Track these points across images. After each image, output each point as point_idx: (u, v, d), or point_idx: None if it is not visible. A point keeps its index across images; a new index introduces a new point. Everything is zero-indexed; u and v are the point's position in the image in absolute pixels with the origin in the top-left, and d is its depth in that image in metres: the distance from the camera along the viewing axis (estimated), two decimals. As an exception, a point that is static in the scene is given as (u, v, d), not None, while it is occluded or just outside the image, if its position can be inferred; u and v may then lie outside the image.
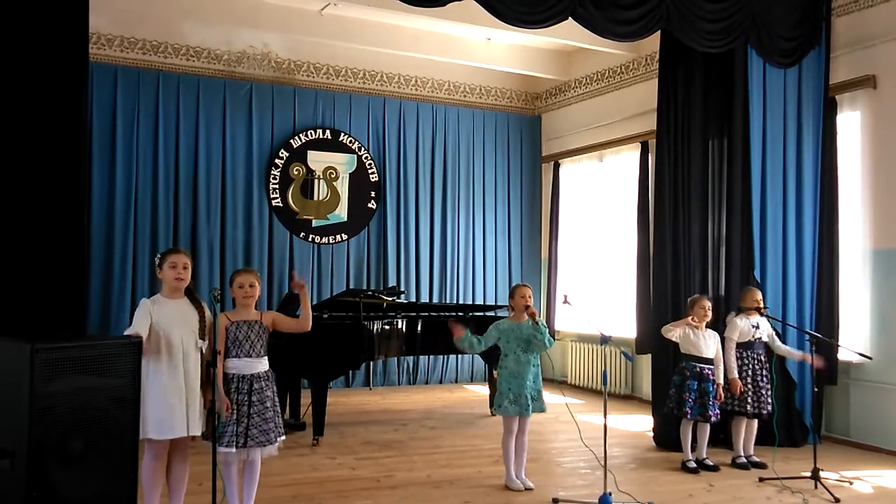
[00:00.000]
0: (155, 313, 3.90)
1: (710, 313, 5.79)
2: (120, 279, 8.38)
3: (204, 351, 3.97)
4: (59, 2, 4.30)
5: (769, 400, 5.84)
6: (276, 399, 4.27)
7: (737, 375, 5.81)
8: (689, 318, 5.74)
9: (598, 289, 9.54)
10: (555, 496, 4.92)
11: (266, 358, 4.24)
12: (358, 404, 8.38)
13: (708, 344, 5.75)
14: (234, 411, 4.04)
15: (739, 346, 5.88)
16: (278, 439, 4.21)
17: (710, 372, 5.72)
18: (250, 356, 4.14)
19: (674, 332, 5.78)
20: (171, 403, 3.85)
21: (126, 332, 3.85)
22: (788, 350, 6.05)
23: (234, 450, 4.04)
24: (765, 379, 5.86)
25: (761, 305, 5.86)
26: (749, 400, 5.81)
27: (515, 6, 5.77)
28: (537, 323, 5.06)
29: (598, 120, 9.65)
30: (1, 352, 3.39)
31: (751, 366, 5.86)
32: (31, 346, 3.19)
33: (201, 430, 4.00)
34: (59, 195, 4.24)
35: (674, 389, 5.79)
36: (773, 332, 6.04)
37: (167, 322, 3.91)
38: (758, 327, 5.89)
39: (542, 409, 5.18)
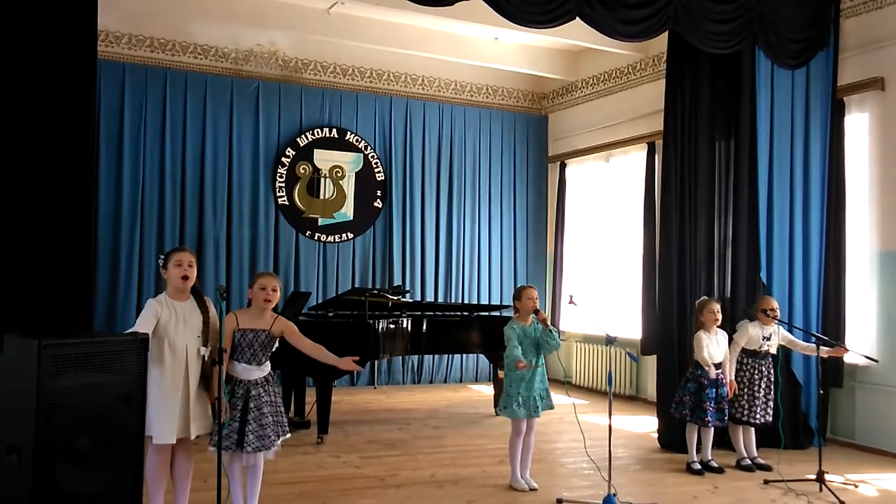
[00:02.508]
0: (163, 316, 3.88)
1: (719, 316, 5.77)
2: (126, 276, 8.41)
3: (206, 358, 3.95)
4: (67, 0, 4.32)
5: (766, 410, 5.81)
6: (278, 399, 4.23)
7: (733, 377, 5.79)
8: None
9: (603, 289, 9.53)
10: (559, 497, 4.92)
11: (268, 364, 4.20)
12: (362, 403, 8.38)
13: (721, 347, 5.73)
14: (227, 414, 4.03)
15: (744, 352, 5.86)
16: (280, 439, 4.18)
17: (723, 377, 5.71)
18: (250, 363, 4.11)
19: (704, 352, 5.68)
20: (172, 409, 3.84)
21: (129, 331, 3.86)
22: (808, 346, 5.89)
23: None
24: (762, 389, 5.81)
25: (770, 311, 5.80)
26: (738, 406, 5.79)
27: (523, 6, 5.76)
28: (549, 328, 5.03)
29: (605, 120, 9.63)
30: (8, 348, 3.40)
31: (749, 373, 5.84)
32: (38, 343, 3.21)
33: (206, 429, 3.99)
34: (66, 192, 4.25)
35: (688, 396, 5.71)
36: (790, 336, 5.98)
37: (173, 325, 3.89)
38: (769, 339, 5.84)
39: (550, 408, 5.18)
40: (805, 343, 6.00)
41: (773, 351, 5.91)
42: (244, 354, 4.11)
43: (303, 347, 4.31)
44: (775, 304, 5.87)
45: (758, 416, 5.79)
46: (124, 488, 3.51)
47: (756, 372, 5.83)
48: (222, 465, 3.85)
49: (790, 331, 6.21)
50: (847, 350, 5.77)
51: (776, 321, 5.82)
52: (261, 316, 4.18)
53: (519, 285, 5.69)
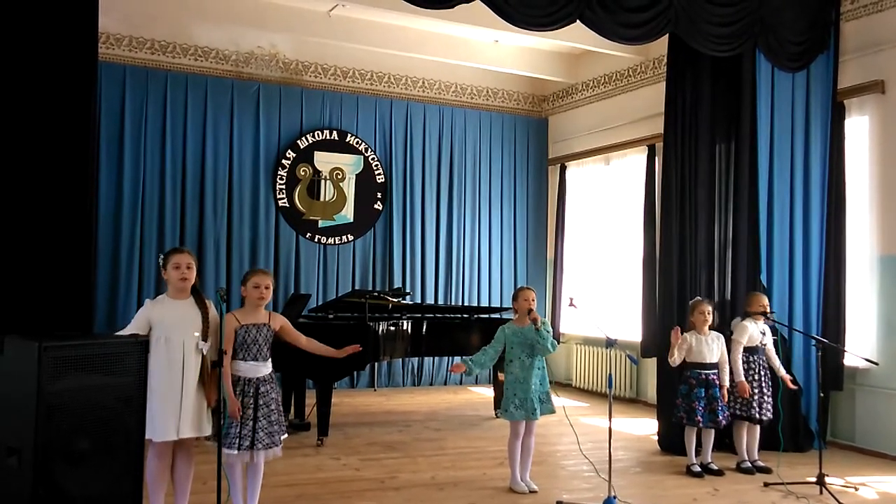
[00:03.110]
0: (156, 315, 3.91)
1: (709, 317, 5.76)
2: (126, 278, 8.41)
3: (205, 353, 3.96)
4: (68, 1, 4.32)
5: (768, 407, 5.83)
6: (280, 399, 4.30)
7: (744, 378, 5.79)
8: (677, 340, 5.67)
9: (603, 292, 9.53)
10: (559, 499, 4.92)
11: (270, 360, 4.25)
12: (362, 405, 8.38)
13: (711, 349, 5.72)
14: (240, 413, 4.06)
15: (746, 350, 5.85)
16: (282, 439, 4.22)
17: (715, 377, 5.70)
18: (256, 360, 4.16)
19: (678, 356, 5.70)
20: (166, 407, 3.84)
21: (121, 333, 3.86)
22: (777, 366, 5.96)
23: (235, 451, 4.04)
24: (768, 385, 5.85)
25: (767, 310, 5.85)
26: (753, 405, 5.79)
27: (523, 8, 5.76)
28: (539, 330, 5.02)
29: (605, 123, 9.64)
30: (9, 350, 3.40)
31: (757, 370, 5.85)
32: (38, 345, 3.20)
33: (206, 431, 3.99)
34: (66, 194, 4.25)
35: (680, 399, 5.74)
36: (772, 342, 6.02)
37: (169, 324, 3.90)
38: (764, 334, 5.88)
39: (551, 411, 5.16)
40: (775, 359, 5.98)
41: (770, 346, 5.93)
42: (250, 351, 4.14)
43: (299, 343, 4.44)
44: (765, 301, 5.92)
45: (767, 412, 5.80)
46: (124, 490, 3.50)
47: (761, 368, 5.85)
48: (223, 469, 3.85)
49: (790, 334, 6.23)
50: (792, 386, 5.90)
51: (765, 317, 5.84)
52: (257, 312, 4.24)
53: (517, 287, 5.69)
